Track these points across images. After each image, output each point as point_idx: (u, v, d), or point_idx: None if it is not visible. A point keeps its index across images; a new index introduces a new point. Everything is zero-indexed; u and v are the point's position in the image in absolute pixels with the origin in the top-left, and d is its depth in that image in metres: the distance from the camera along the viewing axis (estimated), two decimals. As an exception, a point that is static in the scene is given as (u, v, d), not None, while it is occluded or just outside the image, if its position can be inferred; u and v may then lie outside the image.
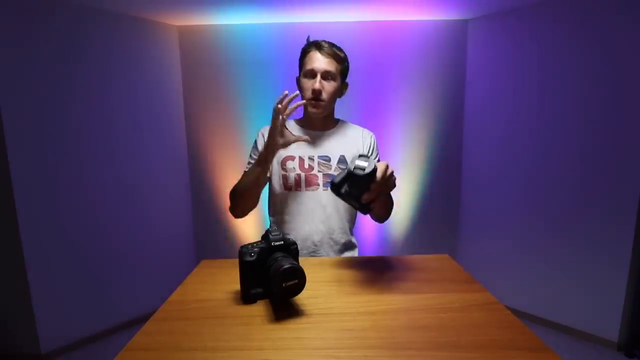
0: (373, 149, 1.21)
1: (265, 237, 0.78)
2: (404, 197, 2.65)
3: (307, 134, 1.18)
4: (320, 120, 1.18)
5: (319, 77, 1.07)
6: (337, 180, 0.81)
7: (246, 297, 0.76)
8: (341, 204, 1.17)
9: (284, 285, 0.68)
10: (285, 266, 0.68)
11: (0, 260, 1.98)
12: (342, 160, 1.16)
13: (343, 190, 0.80)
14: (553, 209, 2.24)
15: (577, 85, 2.10)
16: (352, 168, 0.76)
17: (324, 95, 1.09)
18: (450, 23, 2.48)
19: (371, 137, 1.22)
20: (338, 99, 1.18)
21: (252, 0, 2.08)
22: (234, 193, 1.11)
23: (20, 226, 1.93)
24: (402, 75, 2.54)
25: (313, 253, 1.16)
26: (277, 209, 1.18)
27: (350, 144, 1.18)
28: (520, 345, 0.60)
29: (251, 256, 0.74)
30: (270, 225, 1.06)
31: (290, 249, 0.77)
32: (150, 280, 2.47)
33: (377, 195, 0.79)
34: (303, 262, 0.97)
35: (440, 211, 2.70)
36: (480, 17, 2.42)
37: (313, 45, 1.10)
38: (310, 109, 1.12)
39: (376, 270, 0.96)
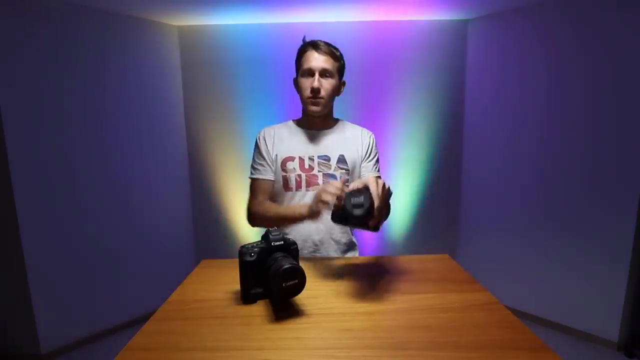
0: (372, 149, 1.21)
1: (265, 237, 0.78)
2: (404, 197, 2.65)
3: (306, 133, 1.19)
4: (319, 120, 1.18)
5: (317, 75, 1.08)
6: (336, 219, 0.80)
7: (246, 297, 0.76)
8: None
9: (284, 285, 0.68)
10: (285, 266, 0.68)
11: (0, 260, 1.98)
12: (341, 159, 1.16)
13: (346, 223, 0.79)
14: (553, 209, 2.24)
15: (577, 85, 2.09)
16: (350, 211, 0.72)
17: (323, 93, 1.10)
18: (450, 23, 2.48)
19: (370, 136, 1.22)
20: (337, 99, 1.19)
21: (251, 0, 2.08)
22: (263, 219, 1.11)
23: (20, 226, 1.93)
24: (402, 76, 2.54)
25: (314, 253, 1.16)
26: None
27: (349, 144, 1.19)
28: (520, 345, 0.60)
29: (251, 256, 0.74)
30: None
31: (290, 249, 0.77)
32: (150, 280, 2.47)
33: (380, 214, 0.77)
34: (303, 262, 0.98)
35: (440, 211, 2.70)
36: (480, 17, 2.42)
37: (309, 44, 1.11)
38: (310, 107, 1.12)
39: (376, 270, 0.96)
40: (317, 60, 1.08)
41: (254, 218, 1.15)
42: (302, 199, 1.14)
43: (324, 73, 1.09)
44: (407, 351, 0.58)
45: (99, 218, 2.23)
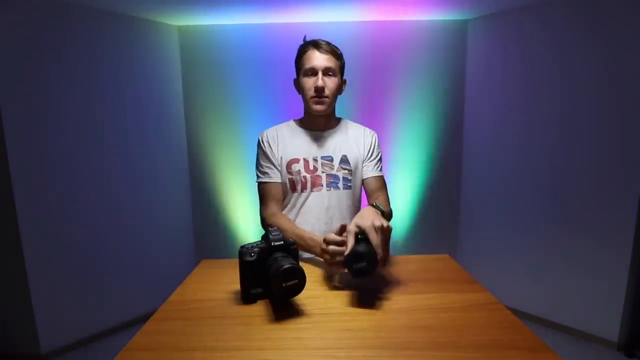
0: (374, 149, 1.21)
1: (265, 237, 0.78)
2: (404, 198, 2.65)
3: (309, 134, 1.18)
4: (322, 120, 1.17)
5: (320, 74, 1.08)
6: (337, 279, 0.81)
7: (246, 297, 0.76)
8: (344, 204, 1.17)
9: (284, 285, 0.68)
10: (285, 266, 0.68)
11: (0, 260, 1.98)
12: (344, 160, 1.16)
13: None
14: (553, 209, 2.24)
15: (577, 85, 2.09)
16: (353, 269, 0.72)
17: (327, 92, 1.10)
18: (450, 23, 2.48)
19: (372, 136, 1.22)
20: (337, 98, 1.18)
21: (251, 1, 2.08)
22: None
23: (20, 226, 1.93)
24: (402, 75, 2.54)
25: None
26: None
27: (351, 144, 1.18)
28: (520, 345, 0.60)
29: (251, 256, 0.74)
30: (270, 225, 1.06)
31: (290, 249, 0.77)
32: (150, 280, 2.47)
33: (386, 259, 0.76)
34: (303, 262, 0.98)
35: (440, 211, 2.70)
36: (480, 17, 2.42)
37: (310, 44, 1.11)
38: (315, 107, 1.11)
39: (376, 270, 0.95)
40: (319, 59, 1.08)
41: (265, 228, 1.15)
42: (306, 200, 1.15)
43: (326, 71, 1.09)
44: (407, 351, 0.58)
45: (98, 218, 2.23)
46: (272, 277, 0.69)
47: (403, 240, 2.71)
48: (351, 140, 1.19)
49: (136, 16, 2.29)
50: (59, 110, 2.04)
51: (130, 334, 0.64)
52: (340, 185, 1.16)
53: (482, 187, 2.55)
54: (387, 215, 1.07)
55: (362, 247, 0.72)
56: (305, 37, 1.16)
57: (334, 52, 1.11)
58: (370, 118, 2.54)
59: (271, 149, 1.17)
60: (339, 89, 1.14)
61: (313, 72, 1.09)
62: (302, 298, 0.74)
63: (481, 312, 0.71)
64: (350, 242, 0.75)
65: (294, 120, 1.23)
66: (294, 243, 0.79)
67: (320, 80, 1.07)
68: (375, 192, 1.17)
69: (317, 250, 0.95)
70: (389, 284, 0.85)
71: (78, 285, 2.17)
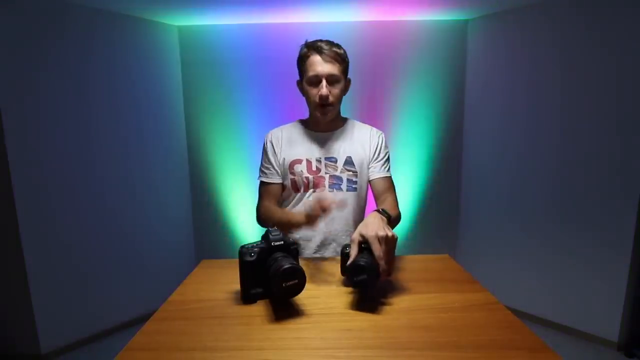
0: (381, 149, 1.18)
1: (266, 237, 0.78)
2: (404, 198, 2.65)
3: (313, 135, 1.17)
4: (326, 121, 1.16)
5: (324, 82, 1.05)
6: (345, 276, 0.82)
7: (246, 297, 0.76)
8: (347, 206, 1.17)
9: (284, 285, 0.68)
10: (285, 266, 0.68)
11: (0, 260, 1.98)
12: (348, 161, 1.15)
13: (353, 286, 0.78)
14: (553, 209, 2.24)
15: (577, 85, 2.09)
16: (353, 280, 0.72)
17: (332, 99, 1.07)
18: (450, 23, 2.48)
19: (379, 136, 1.19)
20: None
21: (251, 1, 2.08)
22: (266, 221, 1.14)
23: (20, 226, 1.93)
24: (402, 75, 2.54)
25: (316, 253, 1.16)
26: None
27: (357, 145, 1.17)
28: (520, 345, 0.60)
29: (251, 256, 0.74)
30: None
31: (290, 249, 0.77)
32: (150, 280, 2.47)
33: (389, 270, 0.76)
34: (303, 262, 0.98)
35: (440, 211, 2.70)
36: (480, 17, 2.42)
37: (312, 48, 1.06)
38: (319, 116, 1.10)
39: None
40: (322, 66, 1.04)
41: (261, 220, 1.17)
42: (307, 200, 1.14)
43: (330, 79, 1.06)
44: (407, 351, 0.58)
45: (98, 218, 2.23)
46: (272, 277, 0.69)
47: (403, 240, 2.70)
48: (356, 141, 1.17)
49: (136, 16, 2.29)
50: (57, 109, 2.04)
51: (130, 334, 0.64)
52: (344, 186, 1.15)
53: (482, 187, 2.55)
54: (394, 219, 1.06)
55: (363, 259, 0.71)
56: (306, 41, 1.11)
57: (337, 56, 1.06)
58: (370, 118, 2.54)
59: (273, 149, 1.17)
60: (343, 93, 1.12)
61: (317, 80, 1.06)
62: (302, 298, 0.74)
63: (481, 312, 0.71)
64: (354, 252, 0.74)
65: (299, 120, 1.22)
66: (294, 243, 0.78)
67: (324, 88, 1.05)
68: (383, 193, 1.15)
69: (301, 218, 0.98)
70: (389, 284, 0.85)
71: (78, 286, 2.17)
